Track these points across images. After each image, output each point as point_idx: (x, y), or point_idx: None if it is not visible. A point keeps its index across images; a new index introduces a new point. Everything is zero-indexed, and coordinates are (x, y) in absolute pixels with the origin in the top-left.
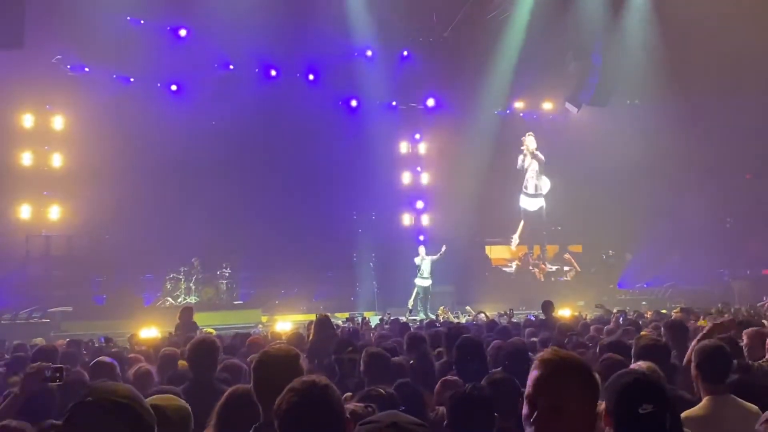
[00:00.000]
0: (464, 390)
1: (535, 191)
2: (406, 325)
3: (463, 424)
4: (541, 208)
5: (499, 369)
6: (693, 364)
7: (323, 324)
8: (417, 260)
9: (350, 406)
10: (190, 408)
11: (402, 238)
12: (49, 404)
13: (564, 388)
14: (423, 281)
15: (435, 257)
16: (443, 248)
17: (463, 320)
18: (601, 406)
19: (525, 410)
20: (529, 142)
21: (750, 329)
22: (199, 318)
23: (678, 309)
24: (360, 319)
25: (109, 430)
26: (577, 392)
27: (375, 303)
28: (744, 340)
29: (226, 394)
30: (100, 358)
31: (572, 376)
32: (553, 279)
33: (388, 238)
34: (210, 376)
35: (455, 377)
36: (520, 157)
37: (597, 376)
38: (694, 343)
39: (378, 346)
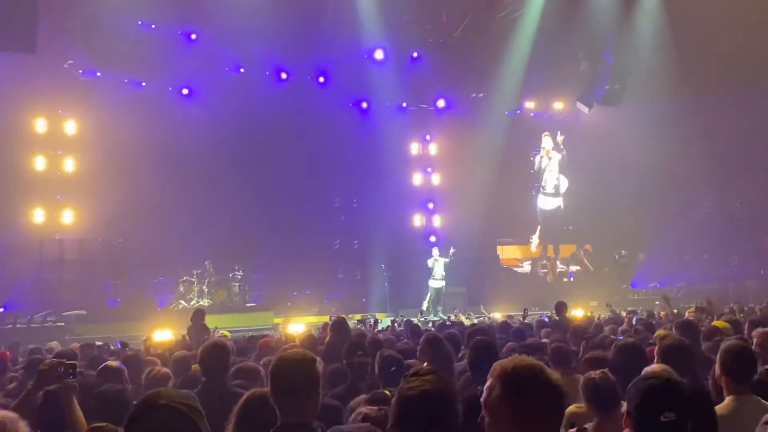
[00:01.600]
0: (477, 393)
1: (554, 191)
2: (417, 327)
3: (475, 426)
4: (559, 207)
5: None
6: (717, 363)
7: (340, 325)
8: (430, 262)
9: (363, 409)
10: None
11: (413, 239)
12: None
13: (495, 392)
14: (435, 282)
15: (447, 260)
16: (452, 250)
17: (476, 322)
18: (623, 407)
19: None
20: (546, 142)
21: (761, 329)
22: (211, 320)
23: (693, 309)
24: (372, 321)
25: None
26: (501, 399)
27: (387, 304)
28: (755, 341)
29: (245, 397)
30: (107, 362)
31: (505, 382)
32: (565, 280)
33: (399, 239)
34: (222, 379)
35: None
36: (537, 158)
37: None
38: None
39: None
